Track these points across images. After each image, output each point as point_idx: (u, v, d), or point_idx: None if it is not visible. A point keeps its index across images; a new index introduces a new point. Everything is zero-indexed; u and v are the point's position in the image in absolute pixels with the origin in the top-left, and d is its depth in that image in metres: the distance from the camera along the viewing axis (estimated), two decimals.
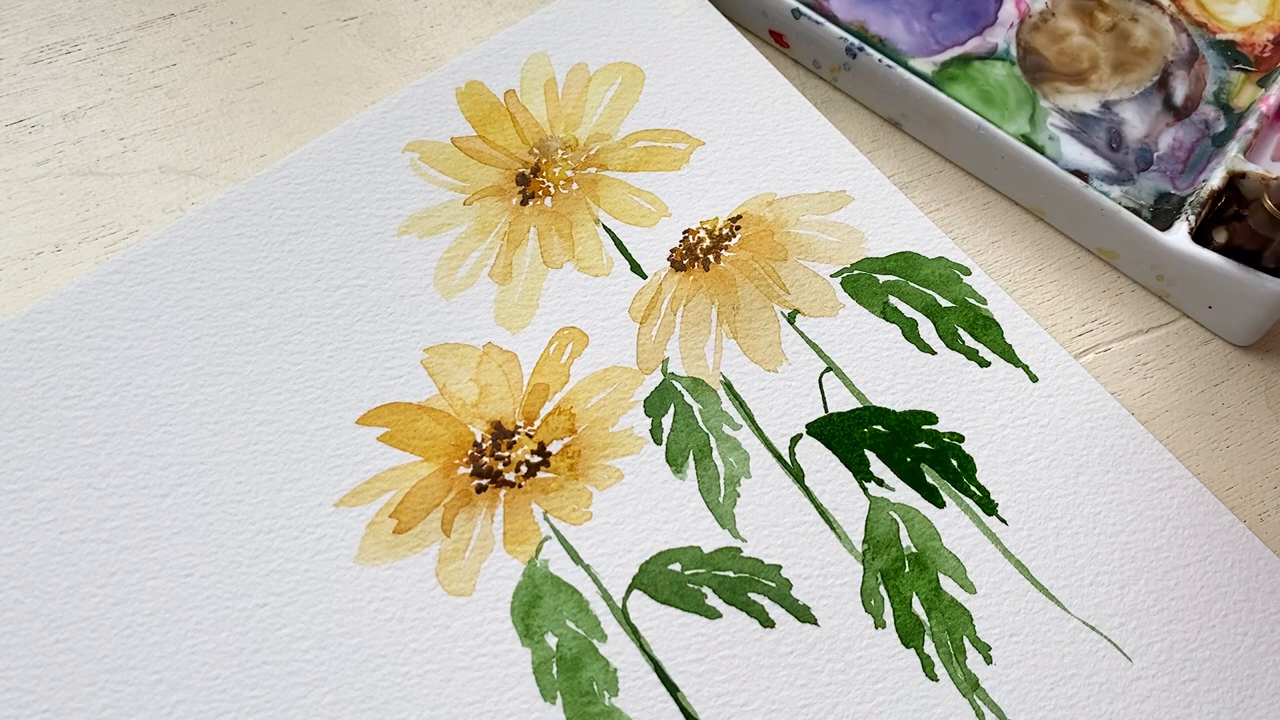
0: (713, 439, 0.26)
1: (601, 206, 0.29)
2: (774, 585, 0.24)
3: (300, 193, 0.29)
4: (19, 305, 0.27)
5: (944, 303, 0.28)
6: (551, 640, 0.23)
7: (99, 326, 0.26)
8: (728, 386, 0.27)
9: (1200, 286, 0.28)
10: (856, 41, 0.31)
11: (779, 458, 0.26)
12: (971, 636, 0.24)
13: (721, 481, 0.25)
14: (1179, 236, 0.28)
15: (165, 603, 0.23)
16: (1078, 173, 0.29)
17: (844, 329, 0.28)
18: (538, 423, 0.26)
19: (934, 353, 0.28)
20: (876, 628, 0.24)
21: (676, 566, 0.24)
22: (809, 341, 0.27)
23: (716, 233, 0.29)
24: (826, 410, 0.26)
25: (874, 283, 0.28)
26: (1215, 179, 0.29)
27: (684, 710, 0.23)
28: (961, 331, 0.28)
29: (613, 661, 0.23)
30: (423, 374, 0.26)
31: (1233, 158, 0.29)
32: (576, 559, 0.24)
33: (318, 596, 0.23)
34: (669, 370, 0.27)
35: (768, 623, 0.24)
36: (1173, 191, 0.29)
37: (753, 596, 0.24)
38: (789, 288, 0.28)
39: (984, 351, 0.28)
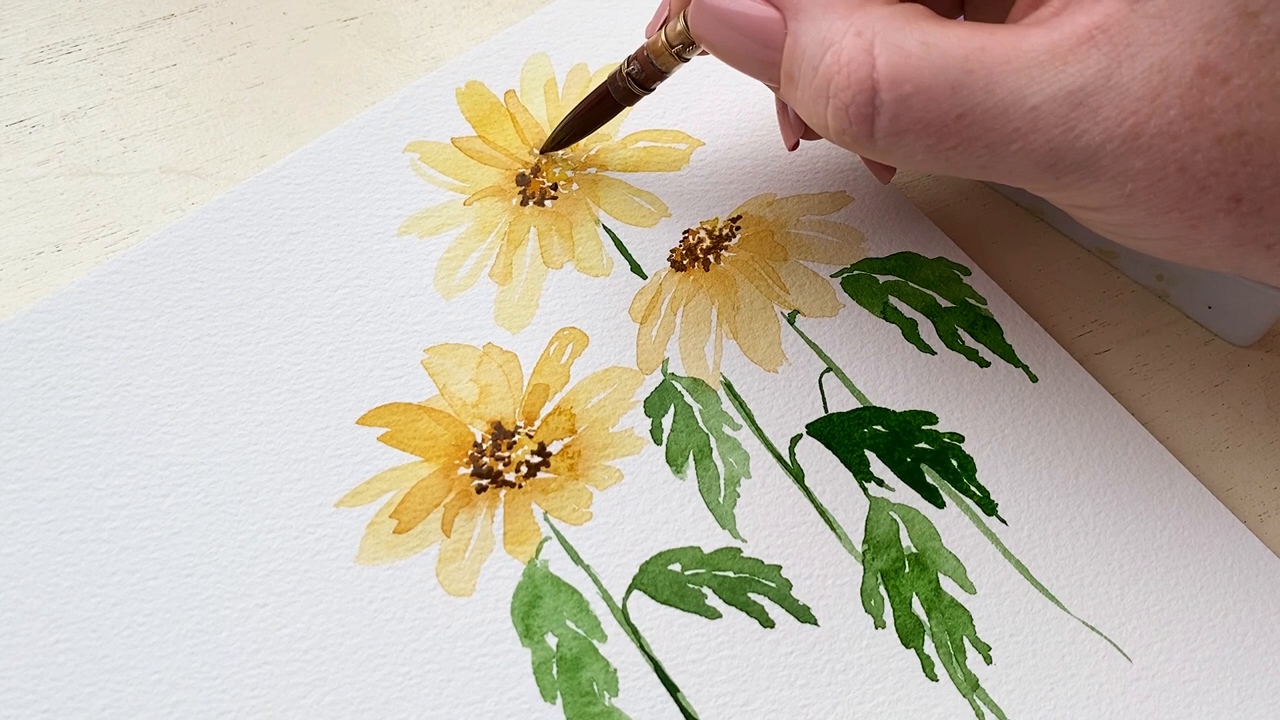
0: (713, 439, 0.26)
1: (601, 207, 0.29)
2: (774, 585, 0.24)
3: (300, 193, 0.29)
4: (19, 305, 0.27)
5: (944, 303, 0.28)
6: (551, 640, 0.23)
7: (99, 326, 0.26)
8: (728, 387, 0.27)
9: (1200, 286, 0.28)
10: None
11: (779, 458, 0.26)
12: (971, 636, 0.24)
13: (721, 482, 0.25)
14: None
15: (165, 603, 0.23)
16: None
17: (844, 329, 0.28)
18: (538, 423, 0.26)
19: (934, 353, 0.28)
20: (876, 628, 0.24)
21: (676, 567, 0.24)
22: (809, 341, 0.27)
23: (716, 233, 0.29)
24: (826, 410, 0.26)
25: (874, 283, 0.28)
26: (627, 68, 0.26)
27: (684, 710, 0.23)
28: (961, 331, 0.28)
29: (613, 661, 0.23)
30: (423, 374, 0.26)
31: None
32: (576, 559, 0.24)
33: (318, 596, 0.23)
34: (669, 370, 0.27)
35: (768, 623, 0.24)
36: None
37: (753, 596, 0.24)
38: (789, 288, 0.28)
39: (984, 351, 0.28)
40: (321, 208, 0.29)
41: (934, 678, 0.23)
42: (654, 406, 0.26)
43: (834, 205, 0.30)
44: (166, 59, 0.32)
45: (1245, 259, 0.19)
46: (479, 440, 0.25)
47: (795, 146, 0.26)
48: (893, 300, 0.28)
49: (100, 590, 0.23)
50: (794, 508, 0.25)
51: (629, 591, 0.24)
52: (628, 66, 0.26)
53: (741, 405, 0.26)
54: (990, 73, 0.19)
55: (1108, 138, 0.18)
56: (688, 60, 0.25)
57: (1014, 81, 0.18)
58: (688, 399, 0.26)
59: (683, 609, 0.24)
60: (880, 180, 0.28)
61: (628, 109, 0.28)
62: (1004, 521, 0.25)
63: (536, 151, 0.30)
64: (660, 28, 0.25)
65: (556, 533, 0.24)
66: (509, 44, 0.32)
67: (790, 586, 0.24)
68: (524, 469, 0.25)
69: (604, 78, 0.31)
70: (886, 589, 0.24)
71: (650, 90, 0.27)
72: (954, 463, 0.26)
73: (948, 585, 0.24)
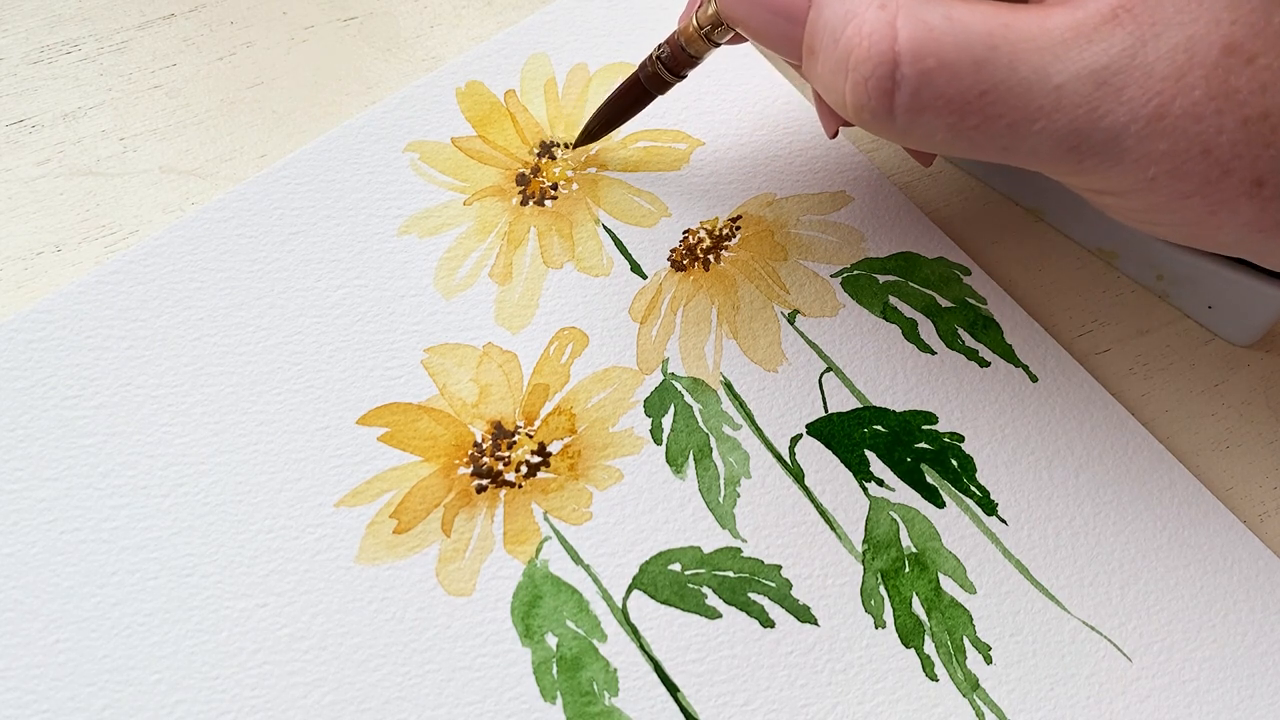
0: (713, 439, 0.26)
1: (601, 206, 0.29)
2: (774, 585, 0.24)
3: (300, 193, 0.29)
4: (19, 305, 0.27)
5: (944, 303, 0.28)
6: (551, 640, 0.23)
7: (99, 326, 0.26)
8: (728, 386, 0.27)
9: (1200, 286, 0.28)
10: None
11: (779, 458, 0.26)
12: (971, 636, 0.24)
13: (721, 481, 0.25)
14: None
15: (165, 603, 0.23)
16: None
17: (844, 329, 0.28)
18: (538, 423, 0.26)
19: (934, 353, 0.28)
20: (876, 628, 0.24)
21: (676, 566, 0.24)
22: (809, 341, 0.27)
23: (716, 233, 0.29)
24: (826, 410, 0.26)
25: (874, 283, 0.28)
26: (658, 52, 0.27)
27: (684, 710, 0.23)
28: (961, 331, 0.28)
29: (613, 661, 0.23)
30: (423, 374, 0.26)
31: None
32: (576, 559, 0.24)
33: (318, 596, 0.23)
34: (669, 370, 0.27)
35: (768, 623, 0.24)
36: None
37: (753, 596, 0.24)
38: (789, 288, 0.28)
39: (984, 351, 0.28)
40: (321, 208, 0.29)
41: (934, 678, 0.23)
42: (654, 406, 0.26)
43: (834, 205, 0.30)
44: (166, 59, 0.32)
45: (1265, 245, 0.19)
46: (479, 440, 0.25)
47: (835, 134, 0.26)
48: (893, 300, 0.28)
49: (100, 590, 0.23)
50: (794, 508, 0.25)
51: (629, 591, 0.24)
52: (658, 51, 0.26)
53: (741, 405, 0.26)
54: (1014, 49, 0.18)
55: (1132, 118, 0.18)
56: (717, 45, 0.25)
57: (1038, 59, 0.18)
58: (688, 399, 0.26)
59: (683, 609, 0.24)
60: (922, 164, 0.27)
61: (658, 97, 0.28)
62: (1004, 521, 0.25)
63: (568, 146, 0.30)
64: (693, 14, 0.25)
65: (556, 533, 0.24)
66: (509, 44, 0.32)
67: (790, 586, 0.24)
68: (524, 469, 0.25)
69: (604, 78, 0.31)
70: (886, 589, 0.24)
71: (682, 77, 0.27)
72: (954, 463, 0.26)
73: (948, 585, 0.24)
